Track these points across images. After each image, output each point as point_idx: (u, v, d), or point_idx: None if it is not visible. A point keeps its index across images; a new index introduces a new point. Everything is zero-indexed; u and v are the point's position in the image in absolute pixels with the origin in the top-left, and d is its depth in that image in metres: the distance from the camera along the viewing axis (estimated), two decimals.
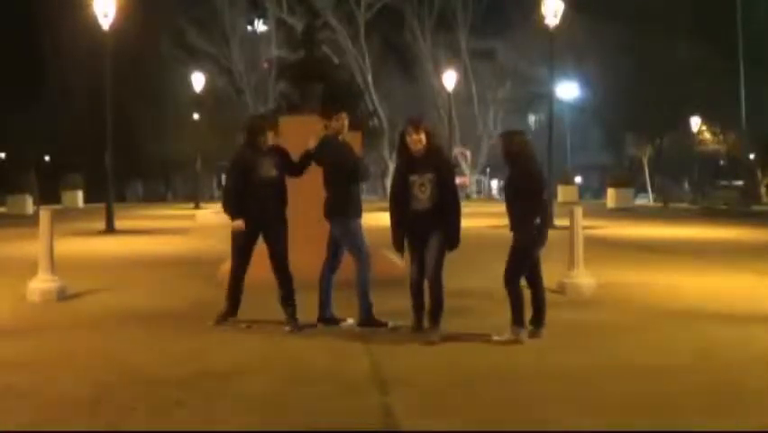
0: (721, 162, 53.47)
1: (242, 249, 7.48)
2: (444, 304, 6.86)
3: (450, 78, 37.46)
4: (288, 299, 7.47)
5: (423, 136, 6.90)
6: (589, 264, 9.69)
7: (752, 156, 43.67)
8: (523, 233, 6.83)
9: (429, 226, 6.83)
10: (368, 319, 7.34)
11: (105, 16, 19.71)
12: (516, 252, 6.87)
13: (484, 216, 21.02)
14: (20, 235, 16.32)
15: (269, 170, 7.38)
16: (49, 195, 33.66)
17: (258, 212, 7.34)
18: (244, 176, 7.34)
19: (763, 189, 43.68)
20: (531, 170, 6.96)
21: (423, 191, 6.82)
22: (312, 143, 7.50)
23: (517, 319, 6.84)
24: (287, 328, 7.32)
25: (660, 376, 5.82)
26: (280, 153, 7.55)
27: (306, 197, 8.11)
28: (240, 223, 7.31)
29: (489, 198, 52.60)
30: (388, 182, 23.92)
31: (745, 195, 37.25)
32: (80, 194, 35.20)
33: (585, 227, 10.24)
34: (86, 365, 6.18)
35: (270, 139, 7.49)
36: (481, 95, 48.04)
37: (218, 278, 10.07)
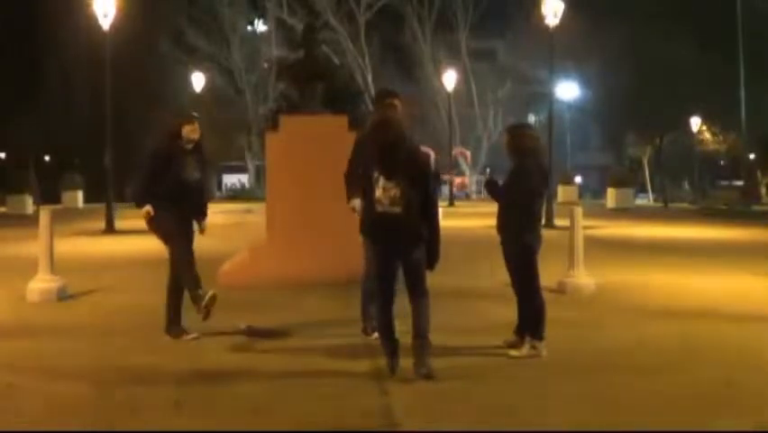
0: (721, 162, 53.50)
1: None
2: None
3: (450, 78, 37.44)
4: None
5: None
6: (589, 264, 9.70)
7: (752, 156, 43.68)
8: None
9: None
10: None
11: (105, 16, 19.75)
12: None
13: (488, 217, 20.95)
14: (20, 235, 16.30)
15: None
16: (49, 195, 33.62)
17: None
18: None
19: (763, 189, 43.71)
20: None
21: None
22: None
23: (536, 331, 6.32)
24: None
25: (658, 375, 5.83)
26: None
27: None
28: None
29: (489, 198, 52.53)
30: None
31: (745, 195, 37.25)
32: (80, 194, 35.14)
33: (585, 227, 10.24)
34: (85, 365, 6.18)
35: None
36: (481, 95, 48.00)
37: (218, 278, 10.09)
